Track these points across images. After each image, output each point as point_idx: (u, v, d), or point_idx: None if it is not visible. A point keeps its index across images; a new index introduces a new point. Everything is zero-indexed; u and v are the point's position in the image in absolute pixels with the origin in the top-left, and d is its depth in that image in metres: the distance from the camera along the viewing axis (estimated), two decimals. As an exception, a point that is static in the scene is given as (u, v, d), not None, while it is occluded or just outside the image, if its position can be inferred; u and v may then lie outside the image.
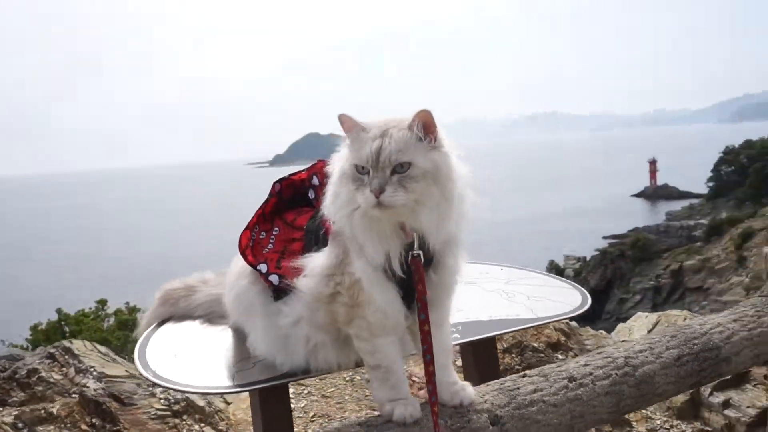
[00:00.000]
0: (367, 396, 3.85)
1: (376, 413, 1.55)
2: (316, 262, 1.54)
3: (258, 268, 1.66)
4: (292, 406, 3.66)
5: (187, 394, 3.27)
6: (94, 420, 3.26)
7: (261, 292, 1.67)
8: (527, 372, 1.72)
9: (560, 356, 4.23)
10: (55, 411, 3.26)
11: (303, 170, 1.80)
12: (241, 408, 3.64)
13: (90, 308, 9.44)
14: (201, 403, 3.53)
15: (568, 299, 2.12)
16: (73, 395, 3.60)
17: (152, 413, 3.36)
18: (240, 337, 1.83)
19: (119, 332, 8.78)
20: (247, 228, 1.74)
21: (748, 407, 3.34)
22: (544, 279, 2.38)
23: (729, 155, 55.45)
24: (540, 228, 58.08)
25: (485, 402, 1.57)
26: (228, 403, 3.67)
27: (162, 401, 3.50)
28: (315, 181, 1.76)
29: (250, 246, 1.71)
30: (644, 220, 58.15)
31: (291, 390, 3.80)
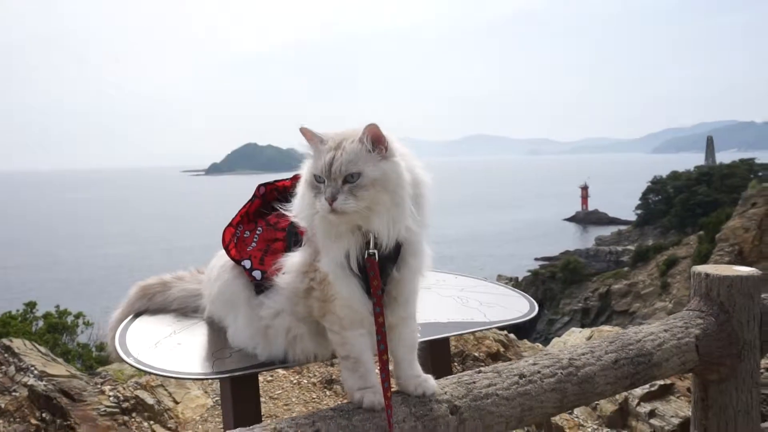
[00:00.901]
0: (313, 398, 3.96)
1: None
2: (294, 259, 1.67)
3: (242, 263, 1.78)
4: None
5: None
6: (44, 414, 3.26)
7: (245, 286, 1.80)
8: (482, 369, 1.88)
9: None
10: (3, 405, 3.25)
11: (287, 178, 1.92)
12: (190, 407, 3.69)
13: (18, 311, 9.25)
14: (150, 401, 3.57)
15: (518, 306, 2.30)
16: (14, 392, 3.58)
17: (102, 410, 3.39)
18: (215, 329, 1.95)
19: (48, 335, 8.61)
20: (230, 225, 1.87)
21: (671, 417, 3.60)
22: (494, 287, 2.55)
23: (656, 185, 57.72)
24: (474, 248, 59.12)
25: (445, 393, 1.71)
26: (177, 402, 3.71)
27: (111, 398, 3.53)
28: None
29: (234, 242, 1.83)
30: (575, 243, 59.90)
31: (238, 392, 3.88)
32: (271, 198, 1.91)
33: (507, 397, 1.79)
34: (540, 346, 4.68)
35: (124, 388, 3.59)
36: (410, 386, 1.67)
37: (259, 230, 1.85)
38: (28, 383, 3.58)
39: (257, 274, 1.76)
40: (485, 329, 2.20)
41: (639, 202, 58.87)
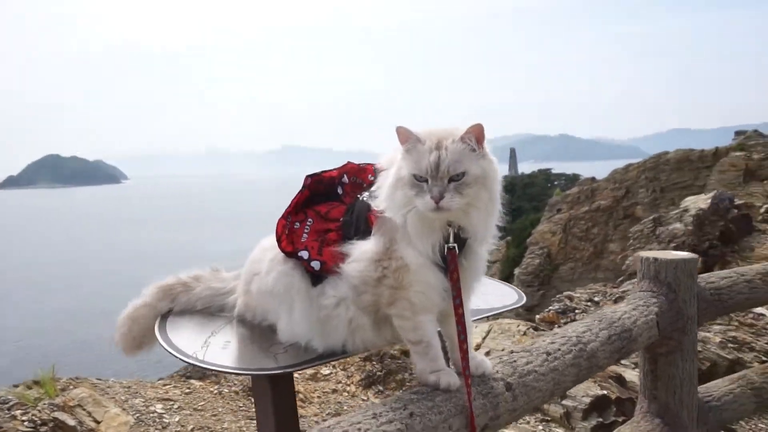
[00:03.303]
0: (241, 407, 3.85)
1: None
2: (364, 248, 1.68)
3: (300, 254, 1.75)
4: (166, 421, 3.56)
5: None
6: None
7: (302, 277, 1.76)
8: (513, 349, 1.99)
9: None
10: None
11: (333, 169, 1.92)
12: (112, 426, 3.44)
13: None
14: (71, 422, 3.29)
15: (510, 294, 2.44)
16: None
17: (20, 436, 3.06)
18: (252, 326, 1.90)
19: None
20: (282, 217, 1.83)
21: (583, 397, 3.92)
22: (485, 279, 2.67)
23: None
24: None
25: (497, 372, 1.81)
26: (98, 422, 3.44)
27: (26, 423, 3.20)
28: (345, 179, 1.89)
29: (285, 234, 1.80)
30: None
31: (159, 406, 3.69)
32: (317, 189, 1.89)
33: (543, 373, 1.92)
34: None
35: (39, 411, 3.27)
36: (471, 367, 1.74)
37: (310, 221, 1.83)
38: None
39: (316, 264, 1.74)
40: (491, 314, 2.31)
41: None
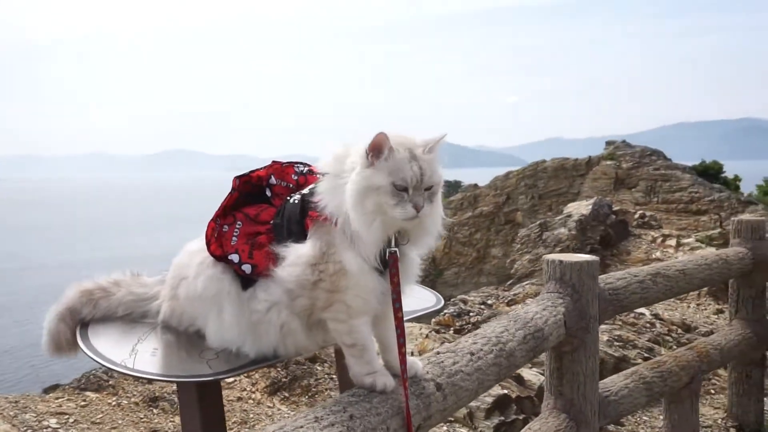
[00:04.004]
0: (142, 419, 3.70)
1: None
2: (300, 252, 1.67)
3: (229, 258, 1.72)
4: (63, 437, 3.37)
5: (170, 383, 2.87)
6: None
7: (233, 280, 1.73)
8: (439, 350, 2.04)
9: (318, 367, 4.56)
10: None
11: (261, 168, 1.89)
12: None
13: None
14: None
15: (428, 298, 2.50)
16: None
17: None
18: (179, 332, 1.84)
19: None
20: (211, 219, 1.78)
21: (485, 396, 4.04)
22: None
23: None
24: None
25: (427, 373, 1.85)
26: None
27: None
28: (273, 180, 1.87)
29: (215, 237, 1.76)
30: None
31: (53, 420, 3.50)
32: (246, 190, 1.86)
33: (468, 372, 1.97)
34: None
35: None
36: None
37: (239, 224, 1.79)
38: None
39: (247, 268, 1.71)
40: (410, 318, 2.34)
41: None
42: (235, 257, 1.73)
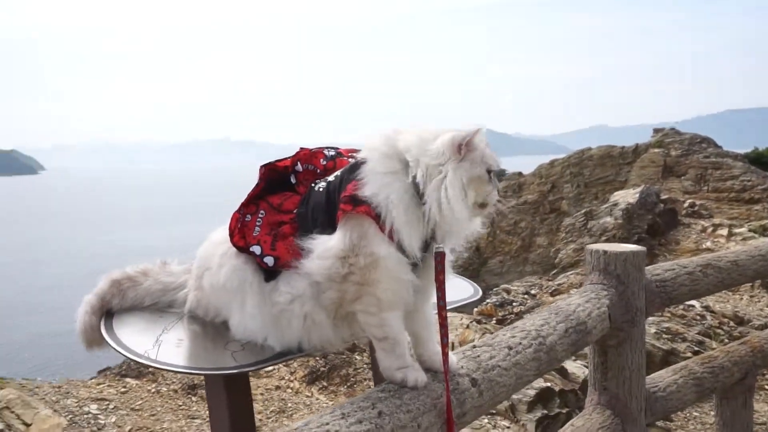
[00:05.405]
0: (180, 406, 3.71)
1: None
2: (328, 244, 1.60)
3: (251, 249, 1.66)
4: (102, 422, 3.40)
5: (15, 400, 2.88)
6: None
7: (256, 271, 1.68)
8: (475, 343, 1.96)
9: (357, 356, 4.52)
10: None
11: (287, 158, 1.83)
12: (44, 428, 3.25)
13: None
14: (-1, 426, 3.09)
15: (465, 288, 2.41)
16: None
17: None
18: (205, 323, 1.80)
19: None
20: (236, 210, 1.73)
21: (527, 389, 3.96)
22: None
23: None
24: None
25: (462, 368, 1.77)
26: (28, 425, 3.24)
27: (-50, 430, 2.99)
28: (299, 167, 1.80)
29: (238, 227, 1.71)
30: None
31: (94, 406, 3.52)
32: (272, 178, 1.80)
33: (506, 367, 1.89)
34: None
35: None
36: (436, 363, 1.70)
37: (262, 213, 1.73)
38: None
39: (269, 260, 1.65)
40: (450, 309, 2.26)
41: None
42: (257, 249, 1.67)
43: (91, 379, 4.15)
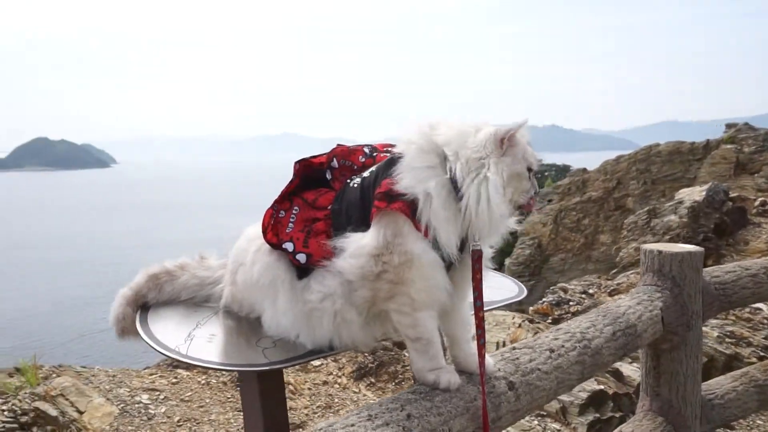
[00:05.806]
0: (229, 399, 3.75)
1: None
2: (362, 242, 1.56)
3: (284, 246, 1.64)
4: (152, 412, 3.46)
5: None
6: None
7: (289, 268, 1.66)
8: (515, 345, 1.89)
9: (405, 353, 4.48)
10: None
11: (323, 154, 1.80)
12: (96, 417, 3.34)
13: None
14: (53, 412, 3.19)
15: (509, 287, 2.34)
16: None
17: None
18: (240, 318, 1.79)
19: None
20: (270, 206, 1.71)
21: (579, 391, 3.84)
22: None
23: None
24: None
25: (499, 370, 1.71)
26: (81, 413, 3.33)
27: (6, 414, 3.09)
28: (334, 163, 1.78)
29: (271, 224, 1.69)
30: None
31: (145, 396, 3.59)
32: (307, 173, 1.78)
33: (546, 371, 1.82)
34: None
35: (20, 401, 3.16)
36: (472, 365, 1.65)
37: (296, 209, 1.71)
38: None
39: (301, 257, 1.63)
40: (492, 308, 2.20)
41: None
42: (289, 246, 1.64)
43: (145, 369, 4.23)
